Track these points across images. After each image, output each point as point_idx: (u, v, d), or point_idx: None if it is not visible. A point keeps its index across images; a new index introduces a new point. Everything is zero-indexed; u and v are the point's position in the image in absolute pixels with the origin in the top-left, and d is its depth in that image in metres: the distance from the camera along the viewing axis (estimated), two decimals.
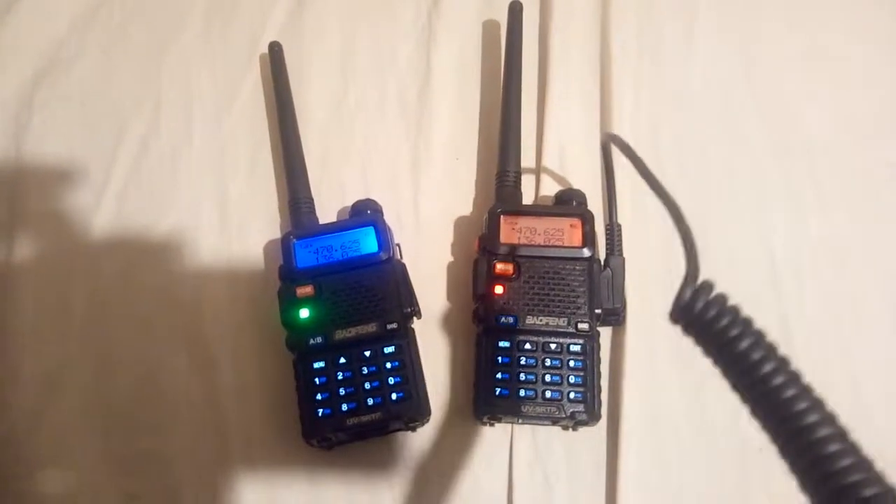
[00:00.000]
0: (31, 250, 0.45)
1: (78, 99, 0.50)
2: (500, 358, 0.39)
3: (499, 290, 0.40)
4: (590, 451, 0.40)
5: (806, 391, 0.24)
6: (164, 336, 0.44)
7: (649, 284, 0.43)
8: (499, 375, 0.39)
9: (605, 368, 0.41)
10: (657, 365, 0.42)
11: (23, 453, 0.41)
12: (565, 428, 0.40)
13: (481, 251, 0.42)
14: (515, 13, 0.48)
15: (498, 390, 0.39)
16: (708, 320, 0.24)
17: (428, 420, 0.40)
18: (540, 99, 0.49)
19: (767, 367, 0.23)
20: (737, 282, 0.25)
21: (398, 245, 0.43)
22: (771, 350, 0.24)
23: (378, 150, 0.48)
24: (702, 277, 0.25)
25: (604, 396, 0.41)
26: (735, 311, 0.24)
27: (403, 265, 0.42)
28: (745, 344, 0.24)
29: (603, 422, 0.40)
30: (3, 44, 0.52)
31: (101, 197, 0.47)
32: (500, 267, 0.40)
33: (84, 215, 0.46)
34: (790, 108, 0.49)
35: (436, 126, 0.49)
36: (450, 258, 0.45)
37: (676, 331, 0.40)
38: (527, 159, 0.47)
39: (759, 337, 0.23)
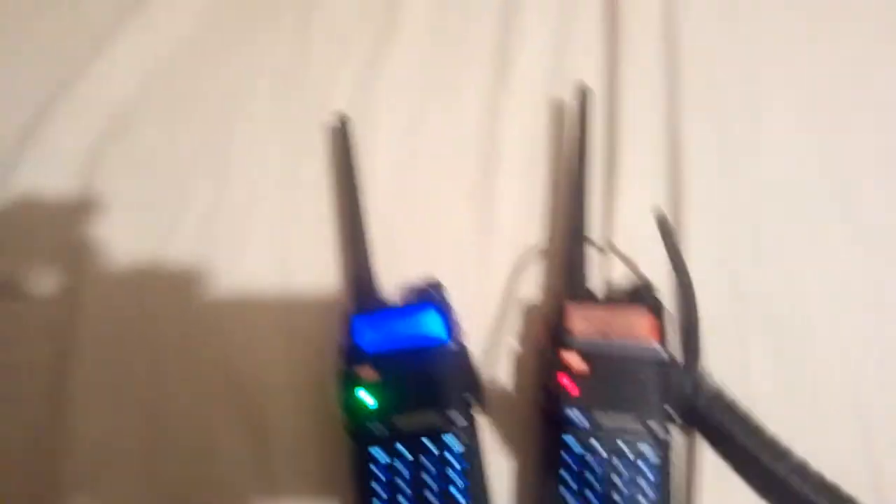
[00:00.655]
0: (93, 316, 0.45)
1: (143, 161, 0.50)
2: (565, 455, 0.37)
3: (566, 382, 0.38)
4: None
5: (810, 478, 0.25)
6: (219, 416, 0.42)
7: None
8: (563, 473, 0.37)
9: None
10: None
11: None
12: None
13: (552, 342, 0.40)
14: (584, 99, 0.47)
15: (562, 490, 0.37)
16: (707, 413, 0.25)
17: None
18: (607, 184, 0.48)
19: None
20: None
21: (462, 329, 0.42)
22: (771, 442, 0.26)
23: (443, 229, 0.48)
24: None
25: None
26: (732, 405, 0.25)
27: (468, 350, 0.41)
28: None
29: None
30: (76, 95, 0.52)
31: (163, 264, 0.46)
32: (572, 363, 0.38)
33: (146, 282, 0.46)
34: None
35: (503, 207, 0.48)
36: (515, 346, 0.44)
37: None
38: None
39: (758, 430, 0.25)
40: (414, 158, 0.50)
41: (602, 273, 0.45)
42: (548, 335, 0.40)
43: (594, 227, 0.46)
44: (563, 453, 0.37)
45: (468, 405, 0.39)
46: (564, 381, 0.38)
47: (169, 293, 0.46)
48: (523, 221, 0.48)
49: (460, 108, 0.52)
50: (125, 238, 0.47)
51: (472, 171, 0.49)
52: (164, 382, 0.43)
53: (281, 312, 0.45)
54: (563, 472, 0.37)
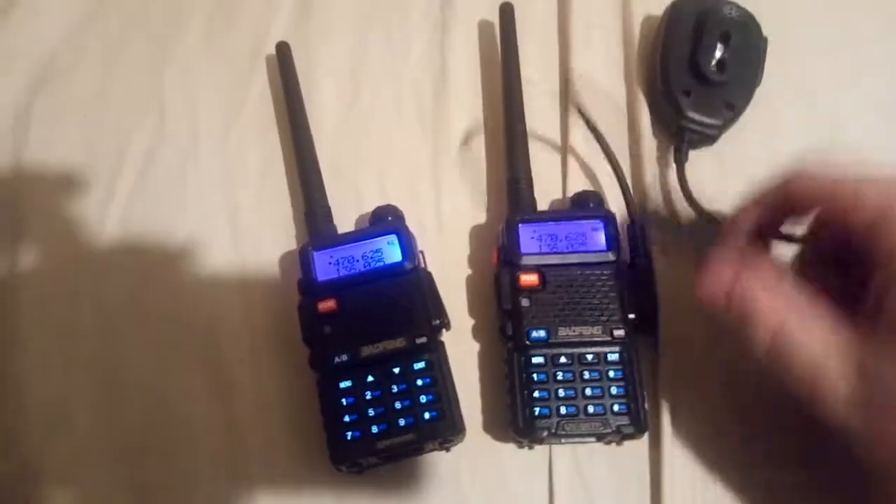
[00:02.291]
0: (33, 272, 0.43)
1: (78, 110, 0.47)
2: (535, 375, 0.37)
3: (525, 303, 0.38)
4: (633, 462, 0.38)
5: None
6: (176, 359, 0.41)
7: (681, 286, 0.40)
8: (536, 394, 0.36)
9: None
10: (694, 373, 0.39)
11: (33, 487, 0.39)
12: (608, 443, 0.37)
13: (501, 264, 0.39)
14: (507, 15, 0.45)
15: (537, 410, 0.36)
16: None
17: (462, 438, 0.38)
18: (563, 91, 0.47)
19: None
20: None
21: (422, 252, 0.41)
22: None
23: (395, 152, 0.46)
24: None
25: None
26: None
27: (429, 274, 0.40)
28: None
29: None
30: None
31: (105, 213, 0.44)
32: (524, 279, 0.38)
33: (88, 233, 0.44)
34: None
35: (455, 125, 0.46)
36: (470, 268, 0.43)
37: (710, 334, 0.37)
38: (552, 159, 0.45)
39: None
40: (358, 83, 0.48)
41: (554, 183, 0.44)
42: (500, 258, 0.39)
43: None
44: (530, 371, 0.37)
45: (434, 329, 0.38)
46: (523, 301, 0.38)
47: (113, 246, 0.44)
48: (477, 141, 0.46)
49: (404, 26, 0.49)
50: (63, 190, 0.45)
51: (421, 90, 0.47)
52: (114, 336, 0.42)
53: (232, 254, 0.43)
54: (535, 393, 0.36)
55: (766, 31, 0.43)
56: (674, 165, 0.42)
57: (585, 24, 0.48)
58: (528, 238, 0.39)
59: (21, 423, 0.40)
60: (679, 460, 0.38)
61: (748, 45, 0.43)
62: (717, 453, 0.38)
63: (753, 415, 0.38)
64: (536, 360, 0.37)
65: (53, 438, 0.40)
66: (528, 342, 0.37)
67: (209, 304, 0.42)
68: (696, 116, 0.42)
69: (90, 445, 0.40)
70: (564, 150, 0.45)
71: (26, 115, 0.47)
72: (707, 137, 0.43)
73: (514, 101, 0.43)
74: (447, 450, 0.38)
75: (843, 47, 0.47)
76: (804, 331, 0.28)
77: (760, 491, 0.37)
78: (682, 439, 0.38)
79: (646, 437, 0.38)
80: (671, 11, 0.45)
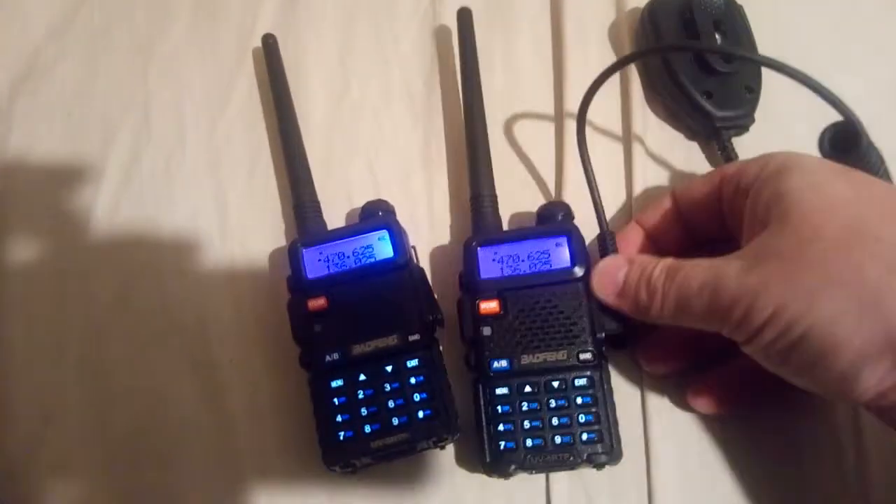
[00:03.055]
0: (18, 274, 0.42)
1: (62, 107, 0.47)
2: (499, 407, 0.35)
3: (487, 331, 0.36)
4: (631, 468, 0.37)
5: None
6: (165, 358, 0.40)
7: None
8: (500, 427, 0.35)
9: (632, 394, 0.38)
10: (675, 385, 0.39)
11: (21, 491, 0.38)
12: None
13: (463, 290, 0.38)
14: (465, 21, 0.43)
15: (503, 444, 0.35)
16: None
17: (457, 436, 0.37)
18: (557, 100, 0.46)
19: None
20: None
21: (414, 248, 0.40)
22: None
23: (385, 145, 0.45)
24: None
25: (634, 424, 0.38)
26: None
27: (421, 269, 0.39)
28: None
29: (641, 437, 0.38)
30: None
31: (91, 210, 0.43)
32: (484, 306, 0.36)
33: (74, 233, 0.43)
34: None
35: (446, 117, 0.45)
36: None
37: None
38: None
39: None
40: (347, 75, 0.47)
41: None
42: (461, 283, 0.38)
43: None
44: (494, 404, 0.36)
45: (428, 326, 0.37)
46: (484, 330, 0.36)
47: (100, 243, 0.43)
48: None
49: (394, 16, 0.48)
50: (48, 190, 0.44)
51: (412, 82, 0.47)
52: (102, 334, 0.41)
53: (220, 251, 0.43)
54: (500, 426, 0.35)
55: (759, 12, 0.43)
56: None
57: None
58: (489, 261, 0.37)
59: (8, 423, 0.39)
60: (671, 471, 0.37)
61: (735, 21, 0.43)
62: (707, 460, 0.37)
63: (744, 417, 0.37)
64: (500, 391, 0.35)
65: (41, 439, 0.39)
66: (490, 373, 0.36)
67: (198, 302, 0.41)
68: (727, 113, 0.42)
69: (79, 446, 0.39)
70: (560, 161, 0.44)
71: (9, 111, 0.46)
72: (742, 127, 0.42)
73: (475, 113, 0.41)
74: (442, 448, 0.37)
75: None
76: (694, 264, 0.32)
77: (753, 490, 0.37)
78: (671, 450, 0.37)
79: (642, 449, 0.37)
80: (648, 19, 0.44)
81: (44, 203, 0.44)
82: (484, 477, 0.37)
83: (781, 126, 0.43)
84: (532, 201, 0.42)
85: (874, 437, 0.37)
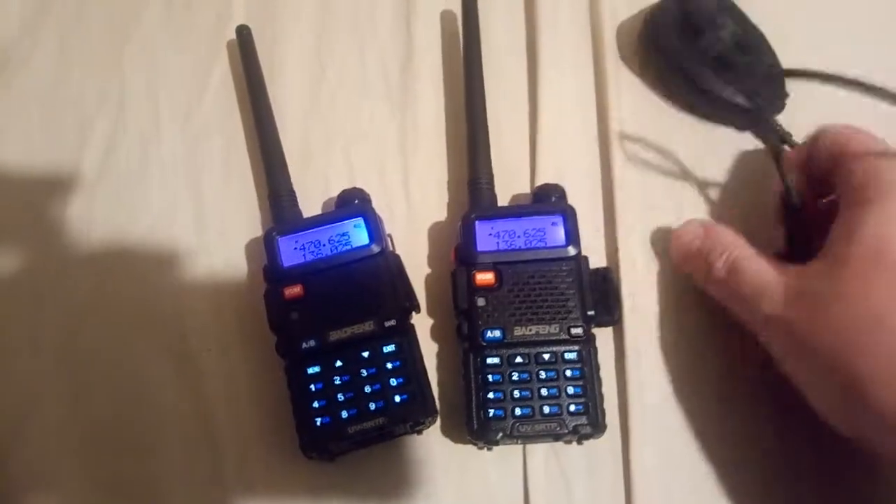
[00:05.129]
0: None
1: (36, 99, 0.46)
2: (490, 376, 0.36)
3: (481, 302, 0.37)
4: (608, 447, 0.38)
5: None
6: (144, 350, 0.40)
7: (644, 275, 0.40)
8: (490, 395, 0.36)
9: (609, 372, 0.39)
10: (658, 360, 0.39)
11: (1, 484, 0.38)
12: (568, 442, 0.37)
13: (458, 262, 0.38)
14: (469, 6, 0.44)
15: (492, 412, 0.35)
16: None
17: (434, 420, 0.37)
18: (531, 83, 0.46)
19: None
20: None
21: (390, 235, 0.40)
22: None
23: (362, 134, 0.45)
24: None
25: (613, 399, 0.38)
26: None
27: (397, 257, 0.39)
28: None
29: (616, 420, 0.38)
30: None
31: (67, 204, 0.43)
32: (479, 277, 0.37)
33: (50, 225, 0.43)
34: None
35: (422, 105, 0.45)
36: (430, 267, 0.42)
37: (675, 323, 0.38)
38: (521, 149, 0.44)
39: None
40: (323, 62, 0.47)
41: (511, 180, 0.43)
42: (457, 256, 0.39)
43: (517, 124, 0.45)
44: (487, 375, 0.36)
45: (404, 312, 0.37)
46: (479, 301, 0.37)
47: (76, 237, 0.43)
48: (442, 126, 0.45)
49: (370, 8, 0.48)
50: (23, 183, 0.44)
51: (388, 69, 0.47)
52: (80, 329, 0.41)
53: (197, 242, 0.43)
54: (489, 394, 0.36)
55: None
56: None
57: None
58: (486, 235, 0.38)
59: None
60: (647, 450, 0.37)
61: (733, 11, 0.43)
62: (685, 440, 0.38)
63: (723, 400, 0.38)
64: (491, 360, 0.36)
65: (21, 435, 0.39)
66: (483, 342, 0.36)
67: (175, 294, 0.41)
68: (766, 101, 0.41)
69: (59, 442, 0.39)
70: (533, 142, 0.44)
71: None
72: (782, 105, 0.42)
73: (476, 96, 0.42)
74: (419, 433, 0.37)
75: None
76: (751, 259, 0.34)
77: (732, 475, 0.37)
78: (650, 429, 0.38)
79: (618, 427, 0.38)
80: (647, 37, 0.44)
81: (20, 198, 0.44)
82: (461, 459, 0.37)
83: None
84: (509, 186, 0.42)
85: None
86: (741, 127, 0.44)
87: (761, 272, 0.33)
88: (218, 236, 0.43)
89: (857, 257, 0.30)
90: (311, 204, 0.42)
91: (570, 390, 0.36)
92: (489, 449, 0.37)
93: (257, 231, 0.43)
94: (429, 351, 0.39)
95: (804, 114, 0.41)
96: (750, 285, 0.33)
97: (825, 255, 0.32)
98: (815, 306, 0.30)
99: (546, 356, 0.36)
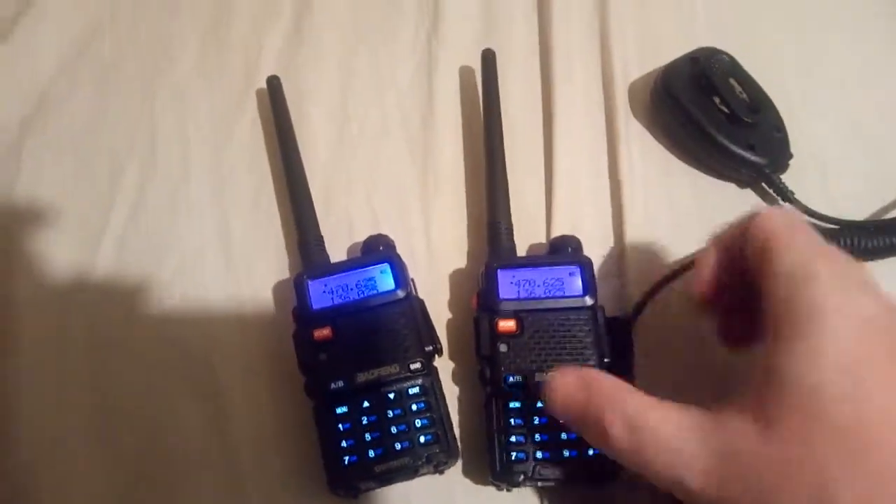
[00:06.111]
0: (26, 304, 0.43)
1: (70, 143, 0.48)
2: (512, 420, 0.37)
3: (503, 348, 0.38)
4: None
5: None
6: (171, 389, 0.41)
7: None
8: (513, 439, 0.37)
9: None
10: None
11: None
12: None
13: (480, 308, 0.40)
14: (489, 61, 0.46)
15: (514, 454, 0.37)
16: None
17: (456, 461, 0.39)
18: (546, 136, 0.48)
19: None
20: None
21: (413, 280, 0.42)
22: None
23: (385, 181, 0.47)
24: None
25: None
26: None
27: (421, 301, 0.41)
28: None
29: None
30: None
31: (98, 245, 0.45)
32: (502, 325, 0.38)
33: (81, 265, 0.44)
34: None
35: (443, 154, 0.48)
36: (451, 312, 0.44)
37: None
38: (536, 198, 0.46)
39: None
40: (347, 112, 0.49)
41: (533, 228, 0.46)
42: (479, 302, 0.40)
43: (533, 174, 0.47)
44: (507, 416, 0.37)
45: (428, 355, 0.39)
46: (501, 347, 0.38)
47: (106, 276, 0.44)
48: (461, 174, 0.48)
49: (392, 55, 0.51)
50: (56, 224, 0.46)
51: (409, 118, 0.49)
52: (108, 367, 0.42)
53: (225, 283, 0.44)
54: (512, 438, 0.37)
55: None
56: None
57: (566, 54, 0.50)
58: (507, 283, 0.40)
59: (14, 453, 0.40)
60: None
61: (741, 73, 0.46)
62: None
63: None
64: (513, 405, 0.37)
65: (47, 470, 0.40)
66: (505, 388, 0.38)
67: (203, 334, 0.43)
68: (770, 159, 0.44)
69: (85, 477, 0.39)
70: (549, 191, 0.46)
71: (18, 149, 0.48)
72: (786, 166, 0.45)
73: (496, 145, 0.44)
74: (441, 472, 0.39)
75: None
76: (659, 421, 0.27)
77: None
78: None
79: None
80: (663, 88, 0.47)
81: (51, 237, 0.45)
82: (480, 499, 0.39)
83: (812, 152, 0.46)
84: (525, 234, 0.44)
85: None
86: (745, 183, 0.46)
87: (670, 437, 0.26)
88: (245, 278, 0.44)
89: (792, 413, 0.24)
90: (336, 248, 0.44)
91: None
92: (508, 490, 0.38)
93: (284, 273, 0.44)
94: (450, 394, 0.40)
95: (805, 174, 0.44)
96: (662, 455, 0.26)
97: (751, 406, 0.26)
98: (746, 480, 0.25)
99: None
